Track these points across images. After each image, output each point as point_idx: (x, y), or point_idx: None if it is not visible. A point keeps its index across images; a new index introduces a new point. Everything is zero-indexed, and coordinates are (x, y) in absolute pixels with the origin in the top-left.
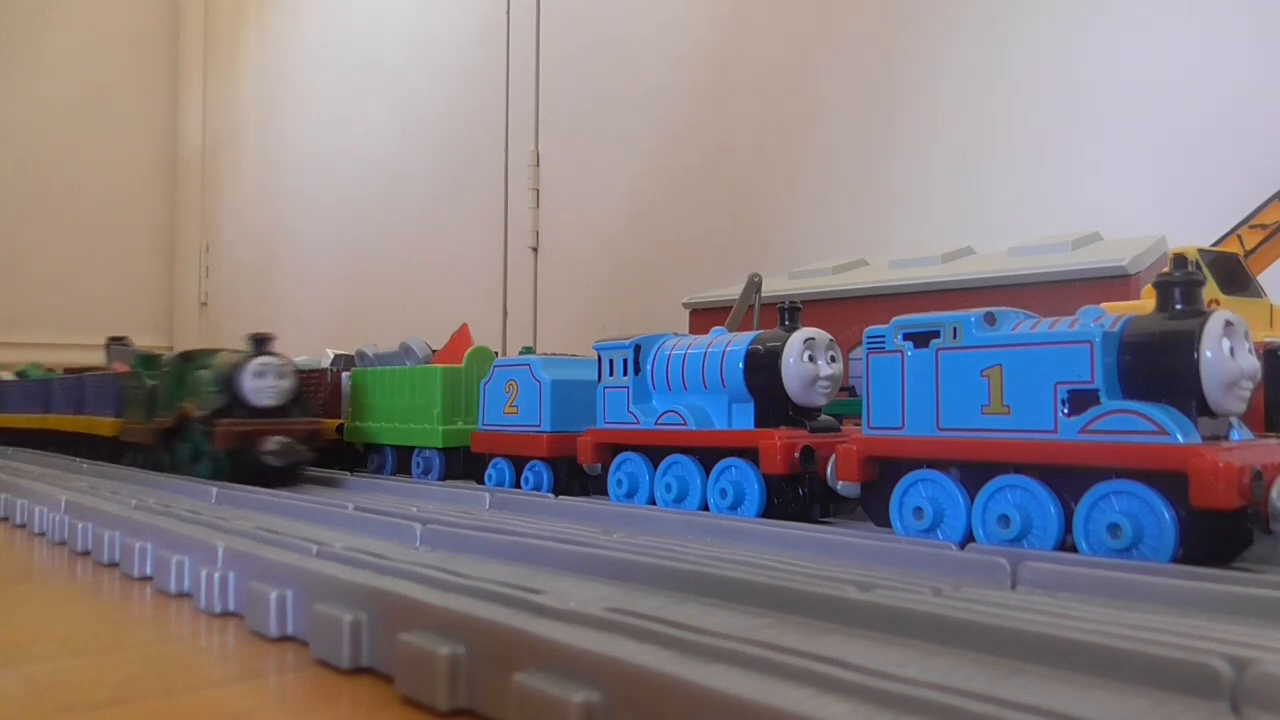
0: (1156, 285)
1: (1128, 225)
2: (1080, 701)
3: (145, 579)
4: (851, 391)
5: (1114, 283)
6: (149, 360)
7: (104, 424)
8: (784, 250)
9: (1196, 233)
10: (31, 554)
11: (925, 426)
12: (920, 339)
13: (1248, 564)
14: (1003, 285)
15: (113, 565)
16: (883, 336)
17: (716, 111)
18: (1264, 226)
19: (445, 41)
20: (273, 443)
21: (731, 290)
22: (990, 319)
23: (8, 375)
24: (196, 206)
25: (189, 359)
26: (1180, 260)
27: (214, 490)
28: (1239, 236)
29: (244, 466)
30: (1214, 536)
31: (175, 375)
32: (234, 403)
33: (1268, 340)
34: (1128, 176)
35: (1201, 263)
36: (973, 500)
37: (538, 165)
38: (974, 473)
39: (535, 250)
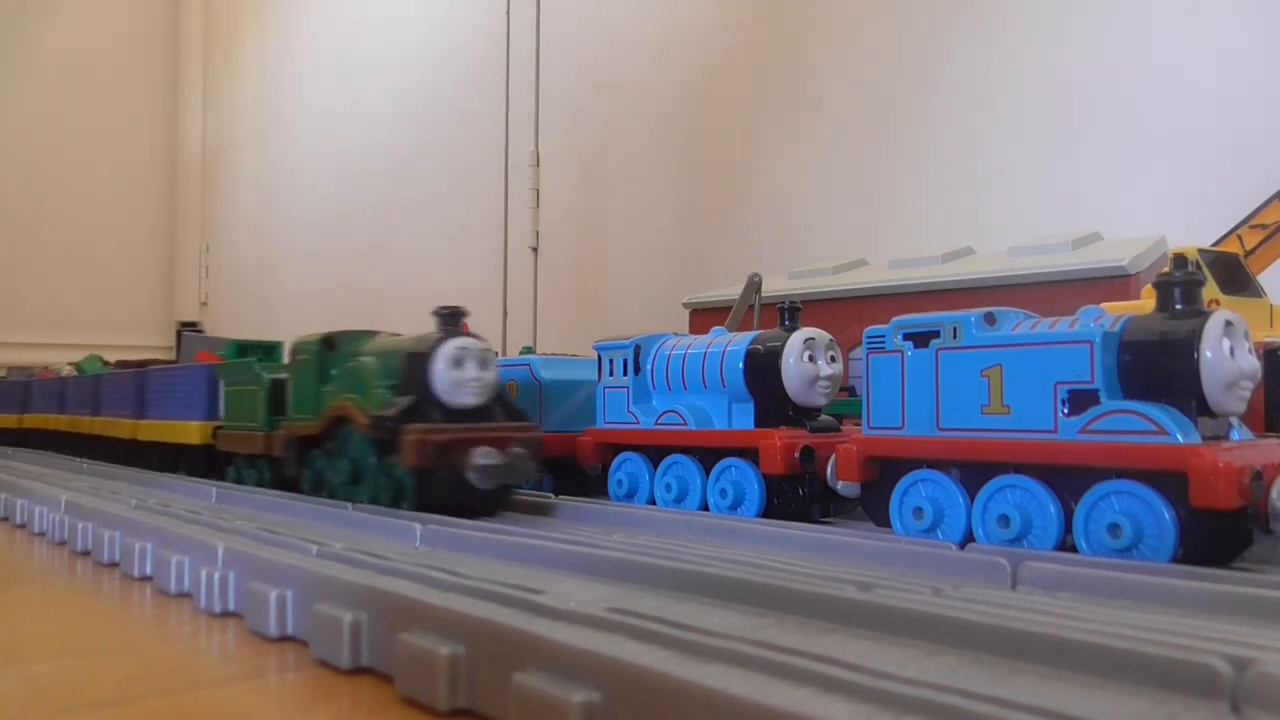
0: (1156, 285)
1: (1128, 225)
2: (1080, 701)
3: (145, 579)
4: (851, 391)
5: (1114, 283)
6: (254, 349)
7: (186, 429)
8: (784, 250)
9: (1196, 233)
10: (31, 554)
11: (925, 426)
12: (920, 339)
13: (1248, 564)
14: (1003, 285)
15: (113, 565)
16: (883, 336)
17: (717, 111)
18: (1264, 226)
19: (445, 41)
20: (484, 456)
21: (731, 290)
22: (990, 319)
23: (69, 370)
24: (196, 206)
25: (334, 344)
26: (1180, 260)
27: (214, 490)
28: (1239, 236)
29: (438, 489)
30: (1214, 536)
31: (316, 366)
32: (423, 402)
33: (1268, 340)
34: (1128, 176)
35: (1201, 263)
36: (973, 500)
37: (538, 165)
38: (974, 473)
39: (535, 250)
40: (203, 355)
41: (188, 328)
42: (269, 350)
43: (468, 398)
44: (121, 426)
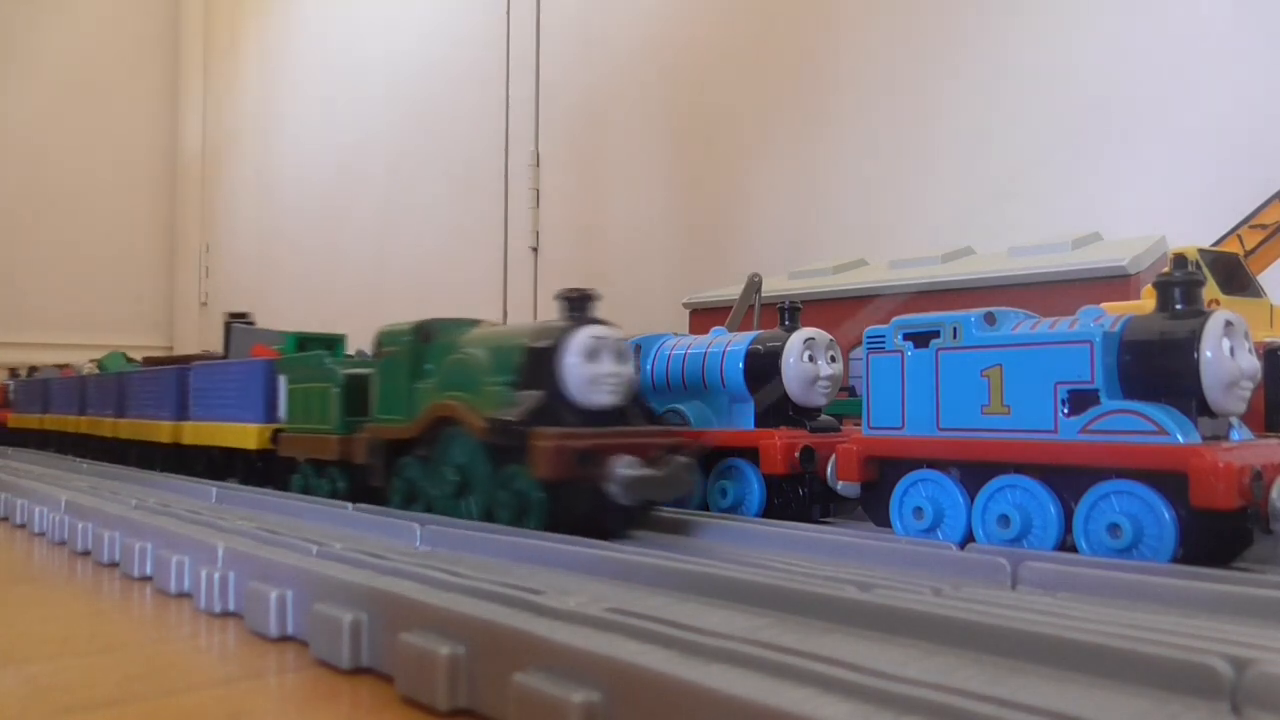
0: (1156, 285)
1: (1128, 225)
2: (1080, 701)
3: (145, 579)
4: (851, 391)
5: (1114, 283)
6: (315, 342)
7: (242, 433)
8: (784, 250)
9: (1196, 233)
10: (31, 554)
11: (925, 426)
12: (920, 339)
13: (1248, 564)
14: (1003, 285)
15: (113, 565)
16: (883, 336)
17: (717, 111)
18: (1264, 226)
19: (445, 41)
20: (629, 467)
21: (731, 290)
22: (990, 319)
23: (90, 368)
24: (196, 206)
25: (430, 335)
26: (1180, 260)
27: (214, 490)
28: (1239, 236)
29: (575, 505)
30: (1214, 536)
31: (408, 360)
32: (553, 401)
33: (1268, 340)
34: (1128, 176)
35: (1201, 263)
36: (973, 500)
37: (538, 165)
38: (974, 473)
39: (535, 250)
40: (259, 349)
41: (237, 319)
42: (330, 343)
43: (604, 396)
44: (159, 429)
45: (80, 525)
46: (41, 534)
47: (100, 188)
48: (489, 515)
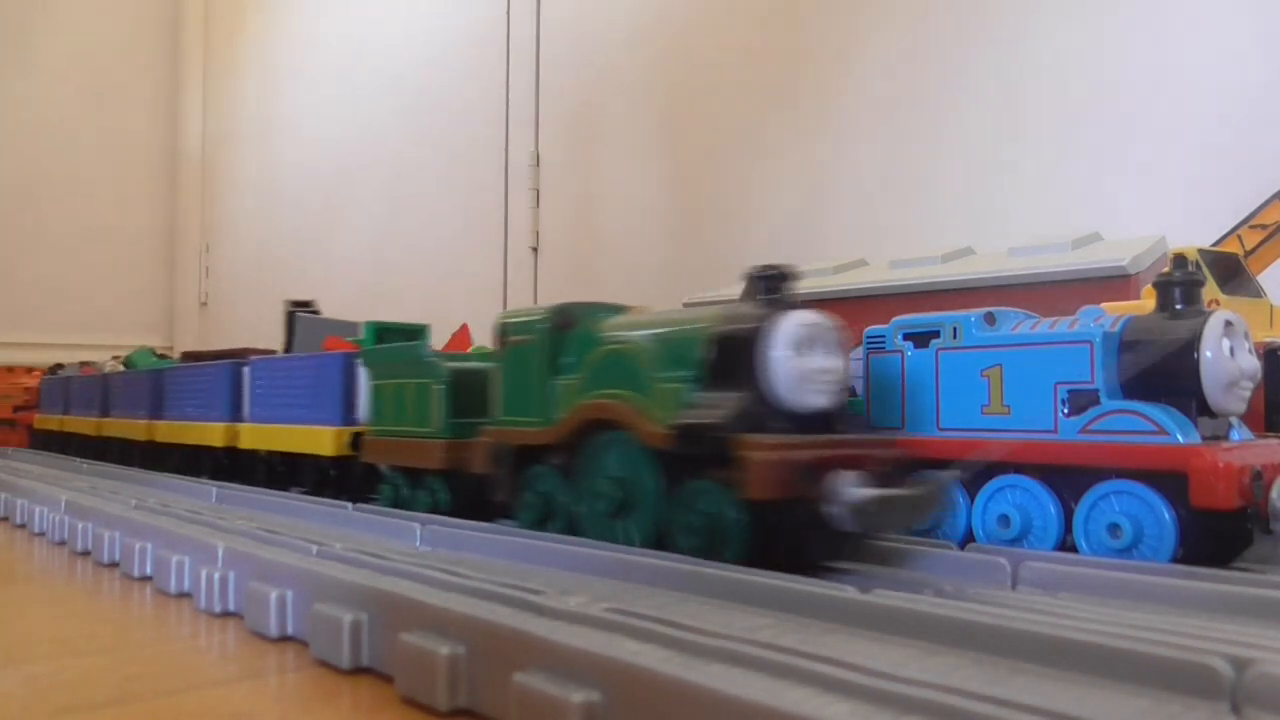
0: (1156, 285)
1: (1128, 225)
2: (1080, 701)
3: (145, 579)
4: (851, 392)
5: (1114, 283)
6: (395, 333)
7: (313, 437)
8: (784, 250)
9: (1196, 233)
10: (31, 554)
11: (925, 426)
12: (920, 339)
13: (1248, 564)
14: (1003, 285)
15: (113, 565)
16: (883, 336)
17: (718, 111)
18: (1264, 226)
19: (445, 42)
20: (855, 485)
21: (732, 290)
22: (990, 319)
23: (113, 365)
24: (196, 206)
25: (569, 322)
26: (1180, 260)
27: (214, 490)
28: (1239, 236)
29: (790, 531)
30: (1214, 536)
31: (545, 351)
32: (756, 403)
33: (1268, 340)
34: (1128, 176)
35: (1201, 263)
36: (973, 500)
37: (538, 165)
38: (974, 472)
39: (535, 250)
40: (333, 341)
41: (300, 307)
42: (413, 334)
43: (816, 397)
44: (210, 432)
45: (80, 525)
46: (41, 534)
47: (100, 188)
48: (658, 540)
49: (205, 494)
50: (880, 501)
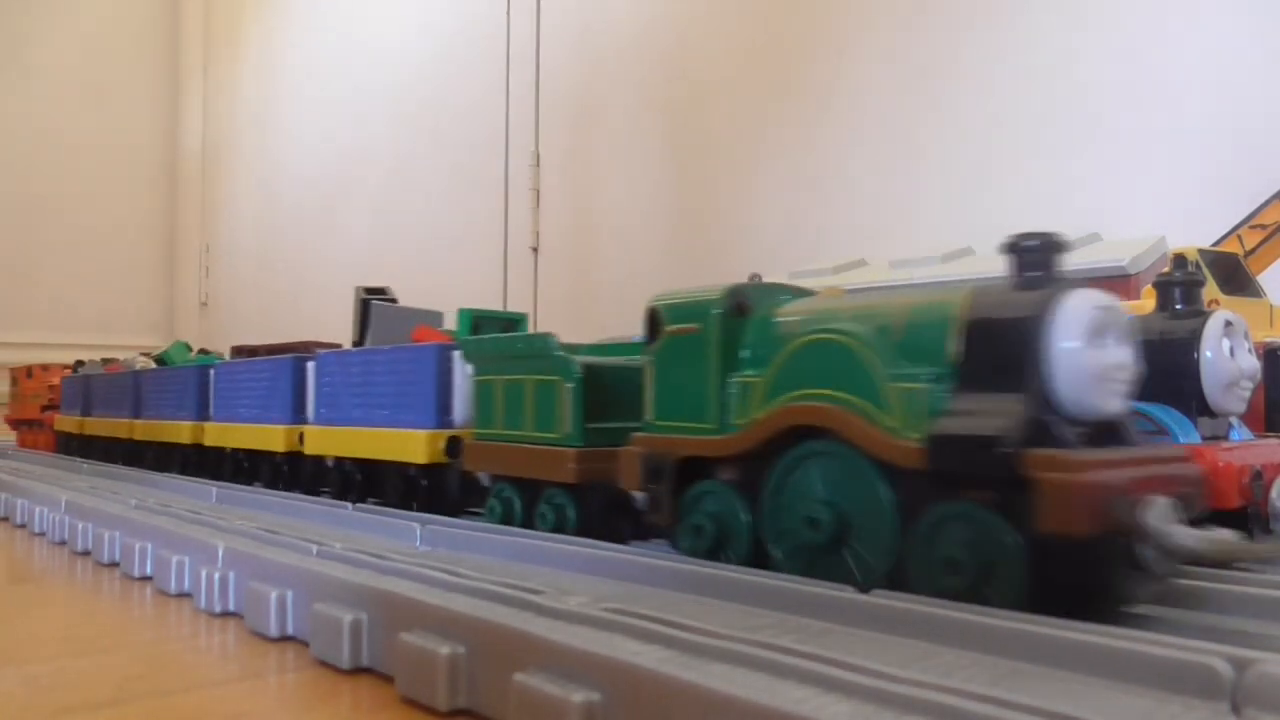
0: (1156, 285)
1: (1128, 225)
2: (1080, 701)
3: (145, 579)
4: None
5: (1114, 283)
6: (490, 322)
7: (402, 442)
8: (784, 250)
9: (1196, 233)
10: (31, 554)
11: None
12: None
13: (1248, 564)
14: None
15: (113, 565)
16: None
17: (718, 111)
18: (1264, 226)
19: (445, 42)
20: (1168, 518)
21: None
22: None
23: (144, 361)
24: (196, 206)
25: (747, 306)
26: (1180, 260)
27: (214, 490)
28: (1239, 236)
29: (1073, 569)
30: None
31: (717, 342)
32: (1043, 410)
33: (1268, 340)
34: (1128, 176)
35: (1201, 263)
36: None
37: (538, 165)
38: None
39: (535, 250)
40: (424, 331)
41: (374, 295)
42: (510, 324)
43: (1112, 400)
44: (269, 435)
45: (80, 525)
46: (41, 534)
47: (100, 188)
48: (893, 579)
49: (205, 494)
50: (1221, 551)
